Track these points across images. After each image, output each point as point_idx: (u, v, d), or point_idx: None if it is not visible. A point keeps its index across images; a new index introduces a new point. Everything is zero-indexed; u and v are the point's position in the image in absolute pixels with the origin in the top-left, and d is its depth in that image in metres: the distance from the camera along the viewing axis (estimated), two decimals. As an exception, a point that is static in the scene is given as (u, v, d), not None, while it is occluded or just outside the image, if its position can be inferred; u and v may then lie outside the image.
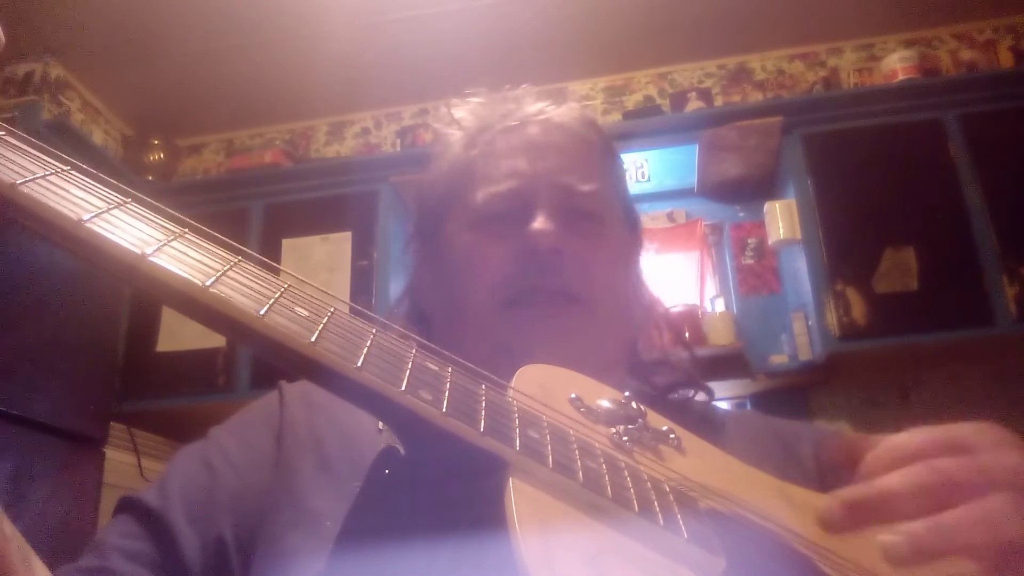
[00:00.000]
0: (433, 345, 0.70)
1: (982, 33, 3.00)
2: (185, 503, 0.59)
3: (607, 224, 0.72)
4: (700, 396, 0.75)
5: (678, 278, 2.86)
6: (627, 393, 0.52)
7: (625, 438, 0.48)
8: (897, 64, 2.73)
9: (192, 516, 0.58)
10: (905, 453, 0.43)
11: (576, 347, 0.64)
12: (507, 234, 0.68)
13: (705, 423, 0.70)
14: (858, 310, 2.34)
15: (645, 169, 2.91)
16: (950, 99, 2.53)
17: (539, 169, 0.70)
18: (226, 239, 0.43)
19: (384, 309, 2.50)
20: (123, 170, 2.97)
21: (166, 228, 0.41)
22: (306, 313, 0.41)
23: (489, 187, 0.70)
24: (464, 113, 0.77)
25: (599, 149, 0.76)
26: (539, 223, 0.66)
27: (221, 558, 0.57)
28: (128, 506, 0.61)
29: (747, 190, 2.87)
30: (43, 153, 0.41)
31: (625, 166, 0.85)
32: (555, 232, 0.66)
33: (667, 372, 0.75)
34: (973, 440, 0.43)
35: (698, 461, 0.50)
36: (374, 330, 0.43)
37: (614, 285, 0.71)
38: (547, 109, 0.74)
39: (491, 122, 0.74)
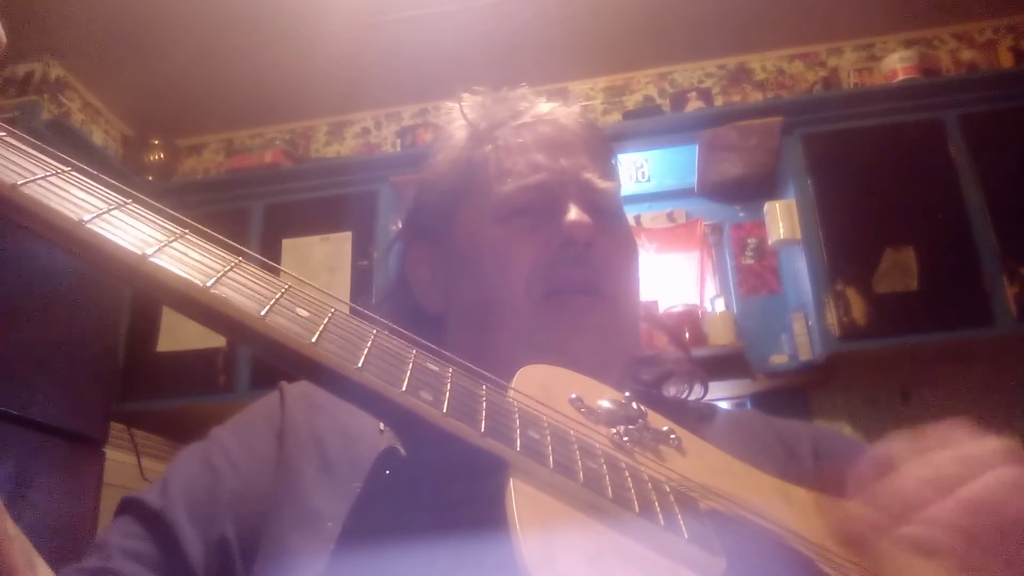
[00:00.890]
0: (435, 346, 0.70)
1: (982, 33, 3.00)
2: (187, 503, 0.59)
3: (623, 223, 0.73)
4: (696, 389, 0.75)
5: (678, 278, 2.86)
6: (627, 393, 0.52)
7: (625, 438, 0.48)
8: (897, 64, 2.73)
9: (194, 516, 0.58)
10: (897, 459, 0.45)
11: (605, 345, 0.66)
12: (537, 227, 0.68)
13: (705, 423, 0.70)
14: (858, 310, 2.34)
15: (645, 169, 2.91)
16: (950, 99, 2.53)
17: (563, 165, 0.70)
18: (226, 240, 0.43)
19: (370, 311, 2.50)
20: (123, 170, 2.97)
21: (167, 229, 0.41)
22: (306, 314, 0.41)
23: (515, 180, 0.70)
24: (471, 111, 0.77)
25: (609, 152, 0.77)
26: (575, 214, 0.67)
27: (224, 558, 0.57)
28: (130, 507, 0.61)
29: (747, 190, 2.87)
30: (43, 154, 0.41)
31: (624, 167, 0.86)
32: (591, 225, 0.67)
33: (660, 366, 0.76)
34: (955, 437, 0.45)
35: (698, 461, 0.50)
36: (375, 331, 0.43)
37: (631, 284, 0.72)
38: (557, 109, 0.75)
39: (503, 119, 0.74)
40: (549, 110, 0.75)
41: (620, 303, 0.68)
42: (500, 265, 0.68)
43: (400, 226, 0.82)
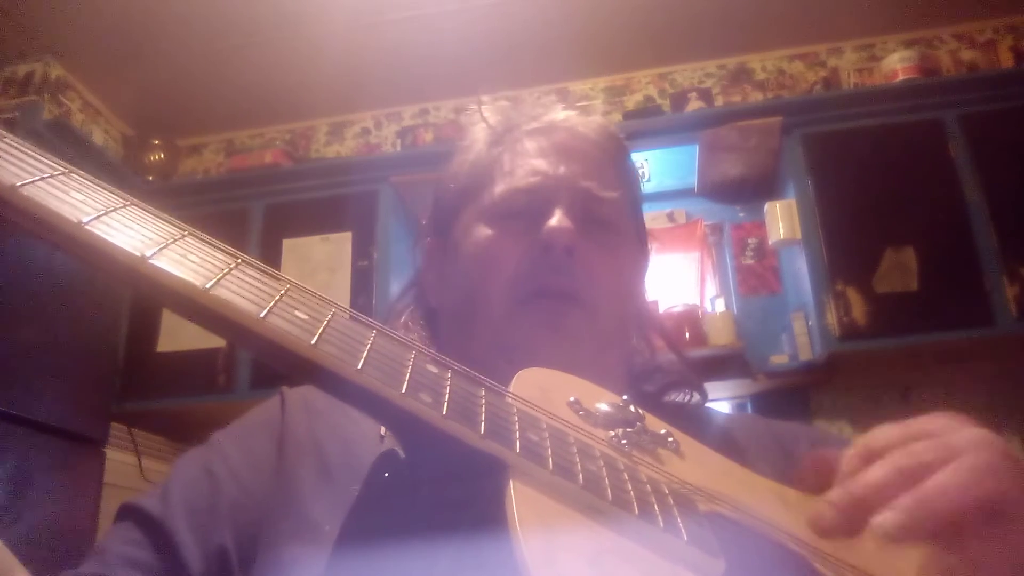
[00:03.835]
0: (437, 345, 0.70)
1: (982, 33, 3.00)
2: (187, 512, 0.59)
3: (620, 234, 0.72)
4: (695, 398, 0.75)
5: (678, 278, 2.86)
6: (625, 397, 0.52)
7: (624, 441, 0.48)
8: (897, 64, 2.74)
9: (194, 525, 0.58)
10: (877, 448, 0.45)
11: (576, 351, 0.65)
12: (524, 231, 0.68)
13: (703, 426, 0.70)
14: (858, 310, 2.34)
15: (645, 169, 2.91)
16: (950, 99, 2.53)
17: (562, 171, 0.70)
18: (223, 244, 0.43)
19: (385, 309, 2.50)
20: (123, 170, 2.97)
21: (167, 231, 0.41)
22: (306, 316, 0.41)
23: (510, 183, 0.70)
24: (492, 112, 0.77)
25: (621, 162, 0.76)
26: (557, 220, 0.66)
27: (222, 568, 0.57)
28: (130, 513, 0.61)
29: (747, 190, 2.87)
30: (42, 156, 0.41)
31: (639, 177, 0.85)
32: (571, 231, 0.66)
33: (661, 378, 0.75)
34: (936, 426, 0.46)
35: (696, 464, 0.50)
36: (374, 333, 0.43)
37: (618, 295, 0.70)
38: (574, 117, 0.75)
39: (518, 122, 0.75)
40: (565, 117, 0.74)
41: (600, 312, 0.67)
42: (484, 266, 0.68)
43: (423, 222, 0.82)
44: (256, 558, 0.56)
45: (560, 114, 0.75)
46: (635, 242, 0.76)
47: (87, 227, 0.38)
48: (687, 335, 2.54)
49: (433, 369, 0.44)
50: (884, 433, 0.46)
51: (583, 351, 0.65)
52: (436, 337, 0.74)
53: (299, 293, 0.42)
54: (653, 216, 2.95)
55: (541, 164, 0.70)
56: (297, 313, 0.40)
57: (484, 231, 0.70)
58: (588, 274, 0.67)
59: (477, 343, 0.67)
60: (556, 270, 0.66)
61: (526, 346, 0.64)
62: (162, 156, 3.24)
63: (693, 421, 0.66)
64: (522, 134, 0.73)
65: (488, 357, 0.64)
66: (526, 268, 0.66)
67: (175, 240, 0.40)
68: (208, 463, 0.64)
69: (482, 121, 0.77)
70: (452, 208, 0.75)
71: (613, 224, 0.71)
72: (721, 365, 2.53)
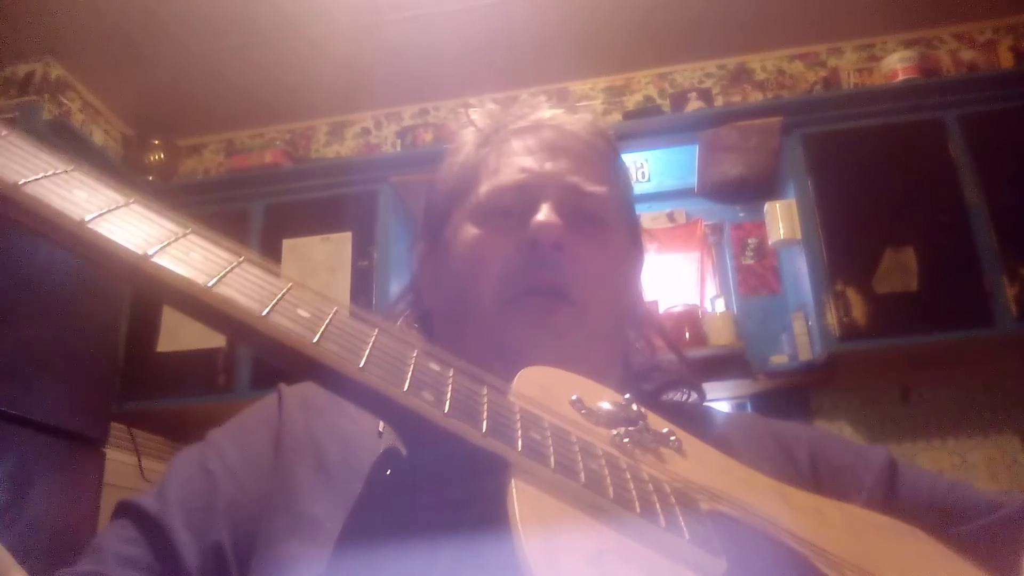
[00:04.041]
0: (435, 345, 0.70)
1: (982, 33, 3.01)
2: (184, 509, 0.59)
3: (609, 230, 0.72)
4: (693, 397, 0.75)
5: (678, 278, 2.86)
6: (627, 395, 0.52)
7: (626, 440, 0.48)
8: (897, 64, 2.74)
9: (190, 522, 0.58)
10: None
11: (566, 348, 0.64)
12: (512, 229, 0.67)
13: (704, 425, 0.70)
14: (858, 310, 2.34)
15: (645, 169, 2.91)
16: (950, 99, 2.53)
17: (548, 168, 0.70)
18: (226, 243, 0.43)
19: (385, 309, 2.50)
20: (123, 170, 2.97)
21: (169, 229, 0.41)
22: (308, 314, 0.41)
23: (496, 182, 0.70)
24: (480, 115, 0.77)
25: (609, 159, 0.76)
26: (544, 215, 0.66)
27: (219, 565, 0.57)
28: (127, 510, 0.61)
29: (747, 190, 2.87)
30: (45, 155, 0.41)
31: (629, 174, 0.84)
32: (558, 226, 0.65)
33: (658, 377, 0.75)
34: None
35: (698, 463, 0.50)
36: (376, 331, 0.43)
37: (608, 291, 0.70)
38: (561, 115, 0.74)
39: (505, 122, 0.74)
40: (552, 115, 0.74)
41: (590, 308, 0.67)
42: (473, 265, 0.68)
43: (418, 225, 0.83)
44: (253, 556, 0.56)
45: (547, 112, 0.75)
46: (626, 238, 0.75)
47: (89, 225, 0.38)
48: (687, 335, 2.54)
49: (435, 367, 0.44)
50: None
51: (573, 348, 0.65)
52: (432, 340, 0.74)
53: (301, 291, 0.42)
54: (653, 216, 2.95)
55: (527, 162, 0.70)
56: (299, 311, 0.40)
57: (472, 231, 0.69)
58: (577, 269, 0.66)
59: (471, 343, 0.67)
60: (544, 265, 0.65)
61: (517, 345, 0.64)
62: (162, 156, 3.24)
63: (692, 420, 0.65)
64: (509, 134, 0.73)
65: (483, 357, 0.64)
66: (515, 265, 0.66)
67: (178, 238, 0.40)
68: (205, 460, 0.63)
69: (471, 124, 0.77)
70: (443, 210, 0.75)
71: (602, 219, 0.71)
72: (721, 365, 2.53)
